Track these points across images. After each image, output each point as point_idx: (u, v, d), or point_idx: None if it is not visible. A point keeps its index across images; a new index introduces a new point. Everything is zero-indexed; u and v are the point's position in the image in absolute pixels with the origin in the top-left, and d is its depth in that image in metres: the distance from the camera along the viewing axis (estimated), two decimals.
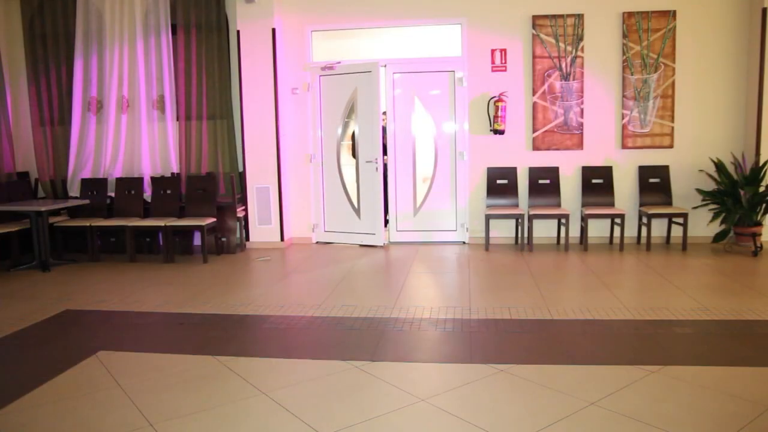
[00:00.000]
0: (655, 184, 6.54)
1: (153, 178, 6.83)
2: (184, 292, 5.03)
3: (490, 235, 6.57)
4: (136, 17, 6.82)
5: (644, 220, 6.43)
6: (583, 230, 6.47)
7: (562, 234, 6.59)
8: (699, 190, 6.35)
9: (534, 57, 6.60)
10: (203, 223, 6.17)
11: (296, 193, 7.14)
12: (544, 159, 6.70)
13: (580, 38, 6.53)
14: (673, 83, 6.47)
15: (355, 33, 7.02)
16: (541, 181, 6.67)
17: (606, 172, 6.60)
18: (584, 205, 6.58)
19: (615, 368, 3.21)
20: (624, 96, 6.55)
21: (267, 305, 4.54)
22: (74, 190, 7.00)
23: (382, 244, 6.76)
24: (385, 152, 6.96)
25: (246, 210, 6.92)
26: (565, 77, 6.58)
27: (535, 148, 6.70)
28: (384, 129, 6.83)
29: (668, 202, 6.49)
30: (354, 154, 6.98)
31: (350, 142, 7.10)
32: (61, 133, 7.12)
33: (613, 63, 6.54)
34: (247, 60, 6.73)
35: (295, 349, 3.64)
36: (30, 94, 7.12)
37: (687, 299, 4.44)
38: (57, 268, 6.11)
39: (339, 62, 6.76)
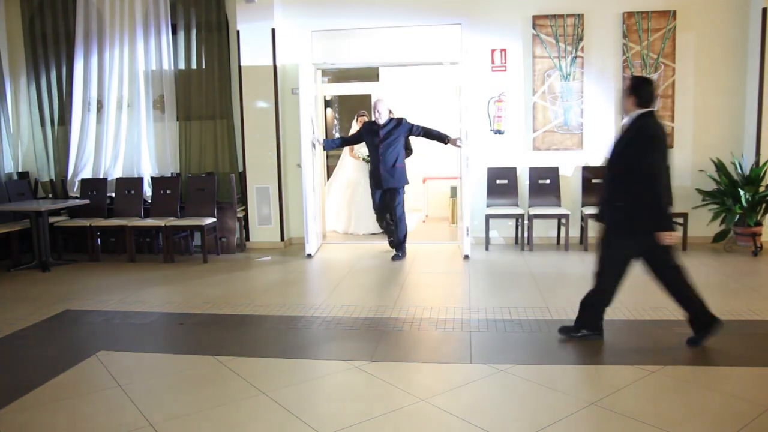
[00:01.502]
0: None
1: (153, 178, 6.83)
2: (184, 292, 5.03)
3: (490, 235, 6.57)
4: (136, 17, 6.81)
5: None
6: (583, 230, 6.47)
7: (562, 234, 6.58)
8: (699, 190, 6.35)
9: (534, 57, 6.60)
10: (203, 223, 6.17)
11: (296, 193, 7.13)
12: (544, 159, 6.69)
13: (580, 38, 6.52)
14: (673, 83, 6.46)
15: (355, 33, 7.00)
16: (541, 181, 6.66)
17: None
18: (584, 205, 6.57)
19: (615, 368, 3.22)
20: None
21: (267, 305, 4.54)
22: (74, 190, 7.00)
23: (310, 254, 6.30)
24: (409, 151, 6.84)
25: (246, 210, 6.92)
26: (565, 77, 6.58)
27: (535, 148, 6.69)
28: (407, 128, 6.56)
29: None
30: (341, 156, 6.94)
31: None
32: (61, 133, 7.12)
33: (613, 63, 6.54)
34: (247, 60, 6.73)
35: (295, 349, 3.64)
36: (30, 94, 7.12)
37: None
38: (57, 268, 6.10)
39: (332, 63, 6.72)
